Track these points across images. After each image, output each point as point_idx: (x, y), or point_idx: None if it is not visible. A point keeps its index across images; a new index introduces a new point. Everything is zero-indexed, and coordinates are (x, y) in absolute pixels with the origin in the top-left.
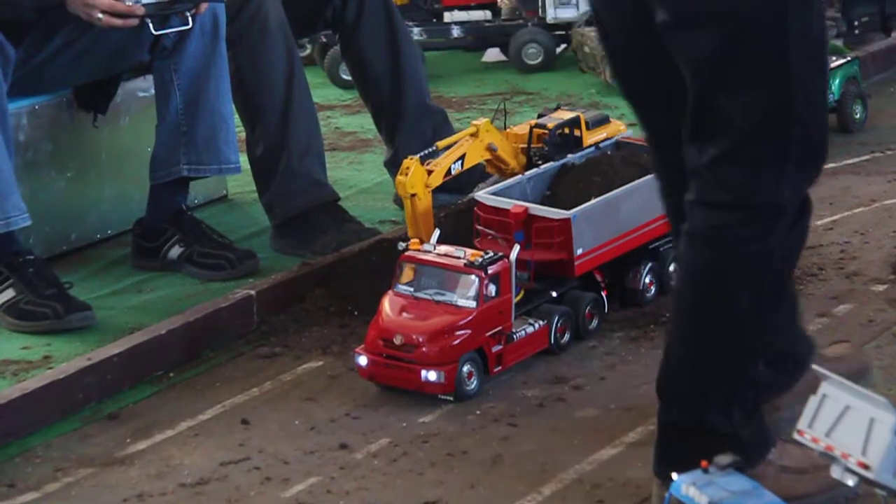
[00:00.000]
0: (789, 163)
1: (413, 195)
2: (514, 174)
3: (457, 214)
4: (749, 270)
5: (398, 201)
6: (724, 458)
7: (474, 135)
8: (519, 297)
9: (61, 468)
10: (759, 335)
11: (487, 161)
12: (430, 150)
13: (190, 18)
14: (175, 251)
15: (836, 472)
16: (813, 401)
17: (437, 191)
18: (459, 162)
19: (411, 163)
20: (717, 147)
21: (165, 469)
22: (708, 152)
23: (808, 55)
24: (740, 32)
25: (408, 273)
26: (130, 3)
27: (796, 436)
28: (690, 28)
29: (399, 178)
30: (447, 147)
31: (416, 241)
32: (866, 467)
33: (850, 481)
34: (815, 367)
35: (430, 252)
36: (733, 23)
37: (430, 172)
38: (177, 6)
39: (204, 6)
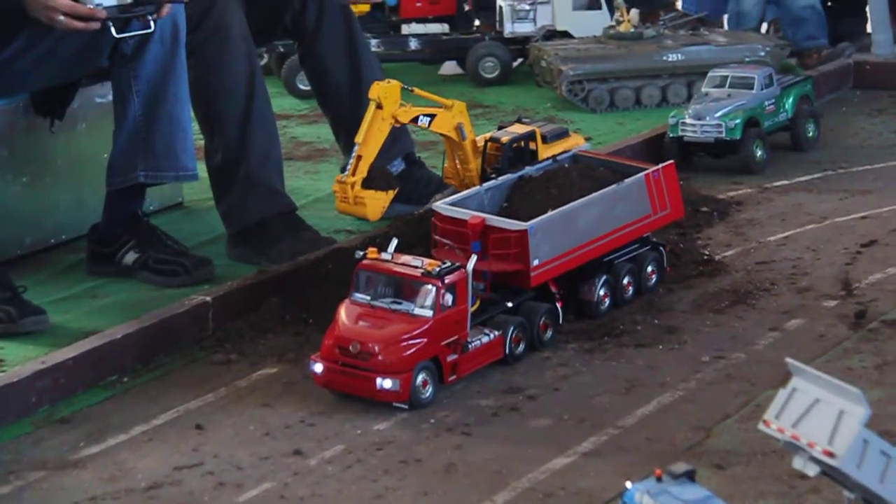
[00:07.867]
0: None
1: (379, 105)
2: (471, 180)
3: (414, 223)
4: None
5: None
6: (678, 467)
7: (449, 108)
8: (475, 308)
9: (13, 471)
10: None
11: (448, 156)
12: (409, 87)
13: (152, 22)
14: (130, 257)
15: (798, 464)
16: (782, 393)
17: (394, 200)
18: (429, 119)
19: (395, 84)
20: None
21: (118, 473)
22: None
23: None
24: None
25: (364, 281)
26: (92, 6)
27: (762, 426)
28: None
29: (377, 83)
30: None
31: (374, 249)
32: (832, 455)
33: (812, 472)
34: (788, 360)
35: (387, 261)
36: None
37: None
38: (138, 9)
39: (166, 9)
